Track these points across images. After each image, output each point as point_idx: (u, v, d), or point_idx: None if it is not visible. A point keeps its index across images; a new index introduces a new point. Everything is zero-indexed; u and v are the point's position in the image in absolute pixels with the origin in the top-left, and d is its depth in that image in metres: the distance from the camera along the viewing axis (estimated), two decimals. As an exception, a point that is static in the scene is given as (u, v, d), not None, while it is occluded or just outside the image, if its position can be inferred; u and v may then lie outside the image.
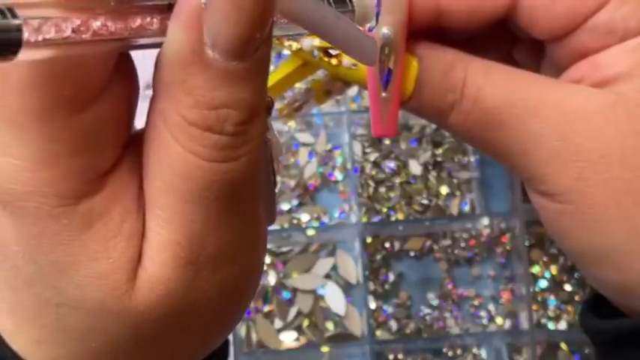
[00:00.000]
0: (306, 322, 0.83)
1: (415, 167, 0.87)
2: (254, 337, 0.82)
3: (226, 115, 0.18)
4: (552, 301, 0.84)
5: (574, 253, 0.27)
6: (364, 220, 0.84)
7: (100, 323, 0.20)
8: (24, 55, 0.15)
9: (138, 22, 0.17)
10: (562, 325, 0.83)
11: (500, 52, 0.30)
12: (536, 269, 0.85)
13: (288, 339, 0.83)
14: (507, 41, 0.29)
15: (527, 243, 0.83)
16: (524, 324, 0.80)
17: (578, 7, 0.26)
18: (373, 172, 0.87)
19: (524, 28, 0.27)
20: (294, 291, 0.83)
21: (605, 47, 0.26)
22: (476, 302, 0.85)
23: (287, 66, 0.29)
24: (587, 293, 0.84)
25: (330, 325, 0.83)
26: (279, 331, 0.82)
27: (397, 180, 0.87)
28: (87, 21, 0.16)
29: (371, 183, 0.86)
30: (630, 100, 0.25)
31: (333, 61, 0.26)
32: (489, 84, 0.26)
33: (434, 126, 0.85)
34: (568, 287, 0.84)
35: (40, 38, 0.15)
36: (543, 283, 0.84)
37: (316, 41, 0.26)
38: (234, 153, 0.19)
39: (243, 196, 0.20)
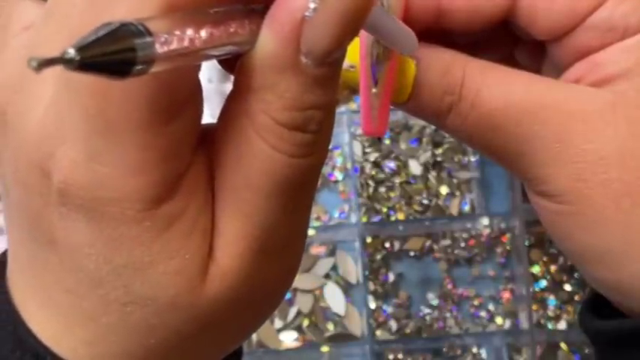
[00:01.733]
0: (306, 322, 0.83)
1: (415, 167, 0.87)
2: (254, 336, 0.82)
3: (312, 116, 0.20)
4: (552, 301, 0.84)
5: (572, 253, 0.27)
6: (364, 220, 0.84)
7: (165, 319, 0.21)
8: (154, 68, 0.16)
9: (233, 27, 0.18)
10: (562, 325, 0.83)
11: (501, 53, 0.30)
12: (536, 269, 0.85)
13: (288, 339, 0.83)
14: (508, 42, 0.29)
15: (527, 243, 0.83)
16: (524, 324, 0.80)
17: (577, 5, 0.26)
18: (373, 172, 0.87)
19: (524, 28, 0.27)
20: (294, 291, 0.84)
21: (605, 46, 0.26)
22: (476, 302, 0.85)
23: None
24: (586, 293, 0.84)
25: (330, 325, 0.83)
26: (279, 330, 0.83)
27: (397, 180, 0.87)
28: (198, 30, 0.17)
29: (371, 183, 0.86)
30: (630, 100, 0.25)
31: None
32: (487, 85, 0.26)
33: (434, 126, 0.85)
34: (568, 287, 0.84)
35: (166, 50, 0.16)
36: (543, 283, 0.85)
37: None
38: (313, 149, 0.20)
39: (311, 188, 0.22)
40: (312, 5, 0.17)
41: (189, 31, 0.16)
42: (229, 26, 0.18)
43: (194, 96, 0.20)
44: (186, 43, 0.16)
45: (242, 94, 0.20)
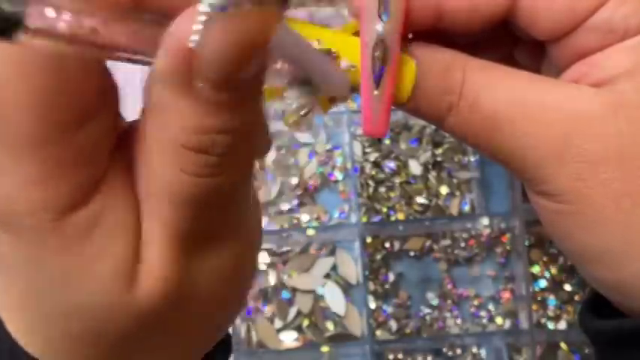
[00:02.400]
0: (306, 322, 0.83)
1: (415, 167, 0.87)
2: (254, 336, 0.82)
3: (216, 140, 0.19)
4: (552, 300, 0.84)
5: (572, 253, 0.27)
6: (364, 220, 0.84)
7: (106, 323, 0.21)
8: (24, 38, 0.15)
9: (145, 34, 0.17)
10: (562, 325, 0.83)
11: (501, 53, 0.30)
12: (535, 269, 0.85)
13: (288, 339, 0.83)
14: (508, 42, 0.29)
15: (527, 243, 0.83)
16: (524, 324, 0.80)
17: (578, 6, 0.26)
18: (373, 172, 0.87)
19: (524, 28, 0.27)
20: (294, 291, 0.84)
21: (605, 47, 0.26)
22: (476, 302, 0.85)
23: (346, 28, 0.29)
24: (586, 293, 0.84)
25: (329, 325, 0.83)
26: (279, 330, 0.83)
27: (397, 180, 0.87)
28: (102, 22, 0.16)
29: (371, 183, 0.86)
30: (630, 100, 0.25)
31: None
32: (487, 86, 0.26)
33: (434, 126, 0.85)
34: (568, 287, 0.84)
35: (46, 25, 0.15)
36: (543, 283, 0.85)
37: (315, 44, 0.26)
38: (222, 169, 0.20)
39: (229, 202, 0.22)
40: (198, 32, 0.16)
41: (77, 17, 0.16)
42: (141, 32, 0.17)
43: (105, 100, 0.19)
44: (72, 26, 0.16)
45: (149, 110, 0.19)
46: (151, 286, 0.21)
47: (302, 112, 0.30)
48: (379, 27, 0.25)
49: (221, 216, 0.22)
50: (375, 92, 0.26)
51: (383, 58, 0.25)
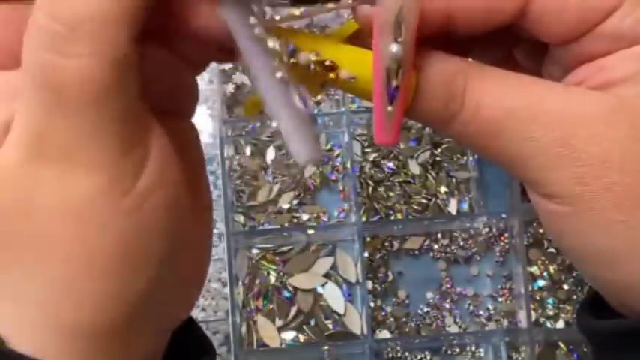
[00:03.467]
0: (306, 321, 0.83)
1: (414, 167, 0.87)
2: (254, 335, 0.83)
3: (60, 5, 0.21)
4: (550, 299, 0.84)
5: (573, 253, 0.27)
6: (364, 219, 0.85)
7: None
8: None
9: None
10: (560, 324, 0.84)
11: (501, 53, 0.30)
12: (534, 268, 0.85)
13: (288, 337, 0.83)
14: (509, 42, 0.29)
15: (525, 242, 0.84)
16: (523, 323, 0.81)
17: (589, 13, 0.25)
18: (372, 172, 0.87)
19: (533, 32, 0.27)
20: (294, 290, 0.84)
21: (613, 52, 0.26)
22: (474, 301, 0.86)
23: (344, 30, 0.29)
24: (585, 293, 0.84)
25: (330, 324, 0.83)
26: (280, 329, 0.83)
27: (396, 180, 0.87)
28: None
29: (370, 183, 0.87)
30: (633, 104, 0.25)
31: (331, 75, 0.26)
32: (489, 92, 0.26)
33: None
34: (566, 286, 0.85)
35: None
36: (541, 282, 0.85)
37: (312, 56, 0.26)
38: (67, 49, 0.21)
39: (80, 100, 0.22)
40: None
41: None
42: None
43: None
44: None
45: None
46: None
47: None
48: (394, 47, 0.24)
49: (76, 118, 0.22)
50: (390, 108, 0.25)
51: (396, 77, 0.25)
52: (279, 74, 0.25)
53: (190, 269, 0.28)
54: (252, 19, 0.24)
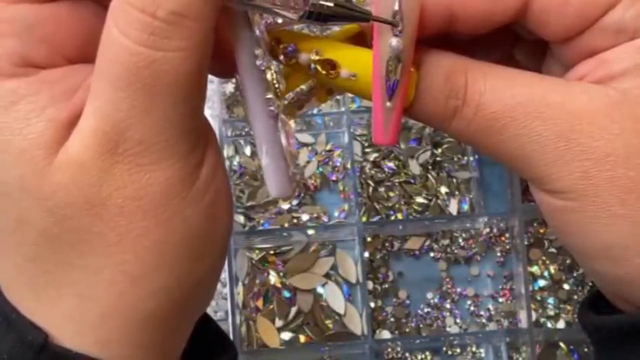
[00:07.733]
0: (306, 321, 0.83)
1: (414, 167, 0.87)
2: (254, 335, 0.83)
3: (160, 0, 0.20)
4: (551, 300, 0.84)
5: (576, 249, 0.27)
6: (364, 219, 0.85)
7: (20, 206, 0.22)
8: None
9: None
10: (561, 324, 0.84)
11: (501, 52, 0.30)
12: (535, 268, 0.85)
13: (288, 338, 0.83)
14: (509, 40, 0.29)
15: (526, 242, 0.84)
16: (523, 323, 0.81)
17: (590, 7, 0.26)
18: (373, 172, 0.87)
19: (534, 31, 0.27)
20: (294, 290, 0.84)
21: (614, 46, 0.26)
22: (475, 301, 0.86)
23: (345, 31, 0.29)
24: (585, 293, 0.84)
25: (330, 324, 0.83)
26: (280, 330, 0.83)
27: (397, 180, 0.87)
28: None
29: (370, 183, 0.87)
30: (635, 97, 0.25)
31: (332, 74, 0.26)
32: (490, 88, 0.26)
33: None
34: (567, 286, 0.85)
35: None
36: (542, 283, 0.85)
37: (313, 55, 0.26)
38: (164, 43, 0.21)
39: (170, 95, 0.22)
40: None
41: None
42: None
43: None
44: None
45: None
46: (65, 172, 0.22)
47: (297, 103, 0.30)
48: (394, 41, 0.25)
49: (158, 115, 0.22)
50: (388, 104, 0.26)
51: (396, 72, 0.25)
52: (271, 107, 0.25)
53: (218, 261, 0.28)
54: (257, 31, 0.25)
